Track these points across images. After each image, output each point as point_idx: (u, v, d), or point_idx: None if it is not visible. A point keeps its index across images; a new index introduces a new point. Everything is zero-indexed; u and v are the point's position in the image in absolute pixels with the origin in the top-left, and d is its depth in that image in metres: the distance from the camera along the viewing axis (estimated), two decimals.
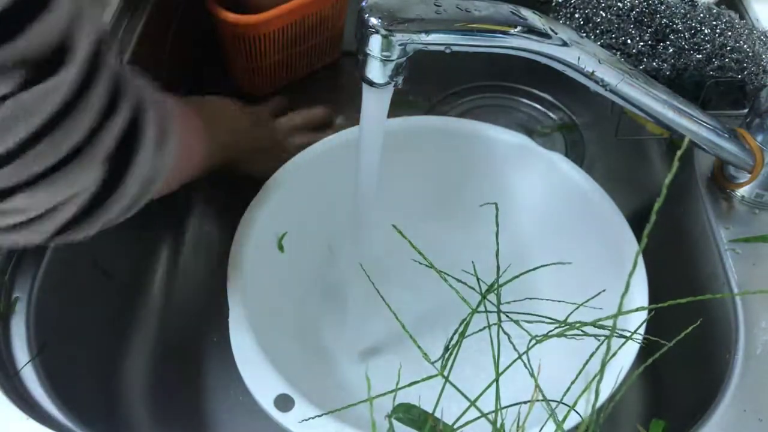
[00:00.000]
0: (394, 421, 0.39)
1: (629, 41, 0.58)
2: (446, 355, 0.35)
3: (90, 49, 0.32)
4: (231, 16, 0.65)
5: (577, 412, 0.31)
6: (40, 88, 0.29)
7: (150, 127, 0.37)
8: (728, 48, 0.57)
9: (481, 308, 0.36)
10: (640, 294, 0.48)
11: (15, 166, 0.30)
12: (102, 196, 0.35)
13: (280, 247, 0.55)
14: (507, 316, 0.37)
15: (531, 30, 0.41)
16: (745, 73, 0.57)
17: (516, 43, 0.41)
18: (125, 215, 0.39)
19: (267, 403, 0.42)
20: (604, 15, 0.59)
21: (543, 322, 0.37)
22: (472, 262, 0.41)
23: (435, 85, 0.78)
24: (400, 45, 0.39)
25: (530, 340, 0.35)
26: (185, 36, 0.74)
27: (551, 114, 0.77)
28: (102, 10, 0.33)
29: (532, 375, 0.34)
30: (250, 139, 0.61)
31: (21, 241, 0.35)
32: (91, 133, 0.32)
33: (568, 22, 0.60)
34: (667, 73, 0.57)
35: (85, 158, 0.32)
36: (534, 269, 0.42)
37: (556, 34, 0.42)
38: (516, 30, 0.40)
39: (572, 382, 0.33)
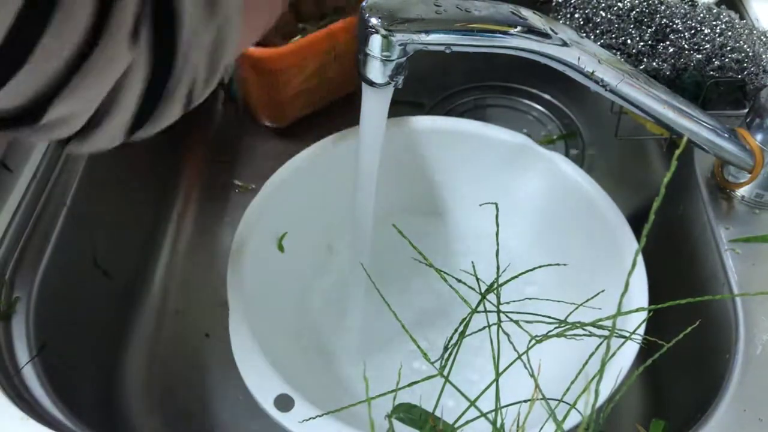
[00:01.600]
0: (395, 421, 0.39)
1: (629, 41, 0.58)
2: (446, 355, 0.35)
3: None
4: (254, 51, 0.64)
5: (577, 410, 0.31)
6: None
7: None
8: (728, 48, 0.57)
9: (481, 308, 0.36)
10: (639, 294, 0.48)
11: (26, 70, 0.25)
12: (157, 75, 0.30)
13: (280, 247, 0.55)
14: (507, 316, 0.37)
15: (531, 30, 0.41)
16: (745, 73, 0.57)
17: (516, 43, 0.41)
18: (206, 88, 0.34)
19: (267, 403, 0.42)
20: (604, 15, 0.59)
21: (543, 322, 0.37)
22: (472, 262, 0.41)
23: (435, 85, 0.78)
24: (400, 45, 0.39)
25: (530, 340, 0.35)
26: None
27: (551, 114, 0.77)
28: None
29: (531, 375, 0.34)
30: None
31: (98, 146, 0.31)
32: (100, 12, 0.27)
33: (568, 22, 0.60)
34: (667, 73, 0.57)
35: (104, 39, 0.27)
36: (534, 269, 0.42)
37: (556, 34, 0.42)
38: (516, 30, 0.40)
39: (572, 382, 0.33)
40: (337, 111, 0.75)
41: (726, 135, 0.49)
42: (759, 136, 0.50)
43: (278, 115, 0.73)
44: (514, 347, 0.35)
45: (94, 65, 0.27)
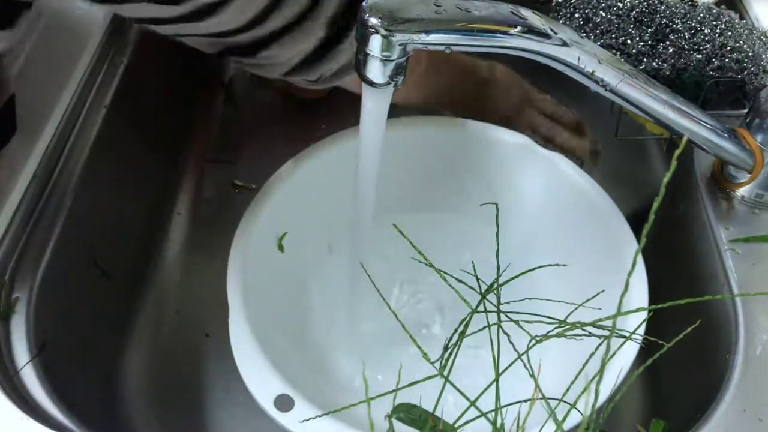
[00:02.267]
0: (396, 421, 0.39)
1: (629, 41, 0.58)
2: (446, 355, 0.35)
3: None
4: None
5: (578, 410, 0.31)
6: None
7: None
8: (728, 48, 0.57)
9: (481, 308, 0.36)
10: (639, 294, 0.48)
11: (259, 28, 0.43)
12: (321, 52, 0.46)
13: (280, 247, 0.55)
14: (507, 316, 0.37)
15: (531, 30, 0.41)
16: (745, 73, 0.57)
17: (516, 43, 0.41)
18: (345, 72, 0.49)
19: (267, 403, 0.42)
20: (604, 15, 0.59)
21: (543, 322, 0.37)
22: (472, 261, 0.41)
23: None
24: (400, 45, 0.39)
25: (530, 340, 0.35)
26: None
27: None
28: None
29: (531, 375, 0.34)
30: (473, 98, 0.63)
31: (264, 73, 0.49)
32: (312, 3, 0.43)
33: (568, 22, 0.60)
34: (667, 73, 0.57)
35: (308, 22, 0.44)
36: (534, 269, 0.42)
37: (556, 34, 0.42)
38: (516, 30, 0.40)
39: (572, 382, 0.33)
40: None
41: (726, 135, 0.49)
42: (759, 137, 0.50)
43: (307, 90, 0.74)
44: (514, 347, 0.35)
45: (297, 33, 0.44)
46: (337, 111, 0.75)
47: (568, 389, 0.33)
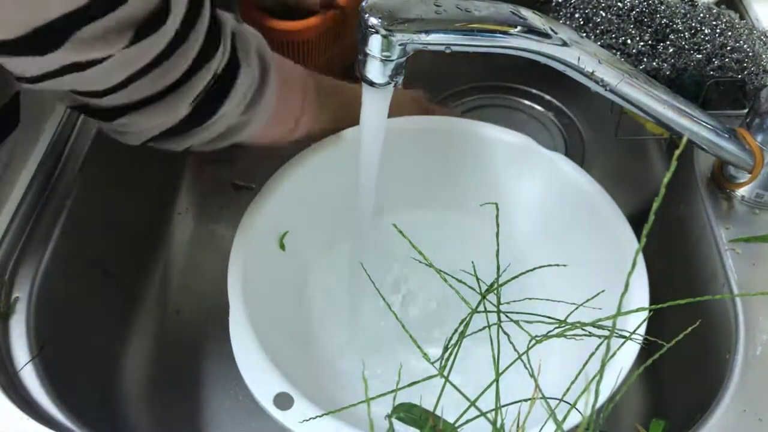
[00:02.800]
0: (396, 421, 0.39)
1: (629, 41, 0.58)
2: (446, 355, 0.35)
3: (186, 6, 0.37)
4: (282, 24, 0.65)
5: (578, 410, 0.31)
6: (143, 43, 0.35)
7: (243, 84, 0.43)
8: (728, 48, 0.57)
9: (481, 308, 0.36)
10: (640, 294, 0.48)
11: (121, 93, 0.38)
12: (184, 129, 0.43)
13: (282, 246, 0.55)
14: (507, 316, 0.37)
15: (531, 30, 0.41)
16: (745, 73, 0.57)
17: (516, 43, 0.41)
18: (210, 146, 0.47)
19: (266, 401, 0.42)
20: (604, 15, 0.59)
21: (543, 322, 0.37)
22: (472, 262, 0.41)
23: (435, 85, 0.78)
24: (400, 45, 0.39)
25: (530, 340, 0.35)
26: None
27: (551, 114, 0.77)
28: None
29: (531, 375, 0.34)
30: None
31: (124, 140, 0.44)
32: (184, 77, 0.39)
33: (568, 22, 0.60)
34: (667, 73, 0.57)
35: (176, 96, 0.40)
36: (534, 269, 0.42)
37: (556, 34, 0.42)
38: (516, 30, 0.40)
39: (572, 382, 0.33)
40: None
41: (726, 135, 0.49)
42: (759, 136, 0.50)
43: None
44: (514, 347, 0.35)
45: (162, 105, 0.40)
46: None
47: (568, 389, 0.33)
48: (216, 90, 0.42)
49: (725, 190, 0.54)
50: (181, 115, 0.41)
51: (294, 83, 0.53)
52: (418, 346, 0.35)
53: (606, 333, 0.32)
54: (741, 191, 0.53)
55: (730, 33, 0.57)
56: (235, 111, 0.44)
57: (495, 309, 0.36)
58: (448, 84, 0.79)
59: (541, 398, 0.33)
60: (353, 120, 0.59)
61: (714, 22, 0.58)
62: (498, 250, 0.39)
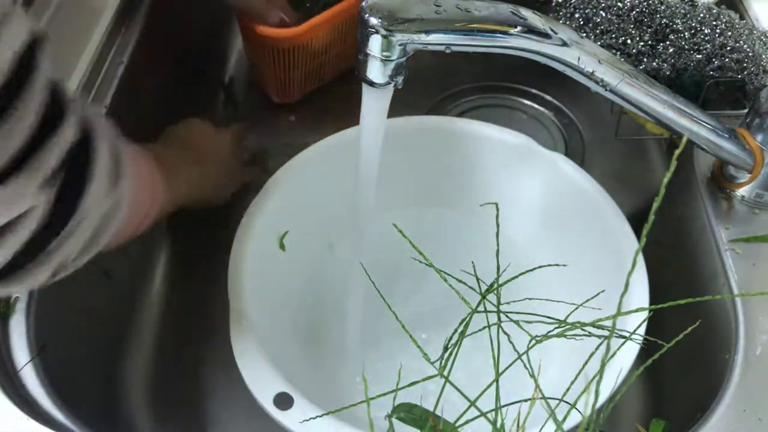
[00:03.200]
0: (396, 421, 0.39)
1: (629, 41, 0.58)
2: (446, 355, 0.35)
3: (13, 58, 0.29)
4: (269, 31, 0.65)
5: (578, 410, 0.31)
6: None
7: (103, 156, 0.35)
8: (728, 48, 0.57)
9: (481, 308, 0.36)
10: (640, 294, 0.48)
11: None
12: (51, 229, 0.32)
13: (282, 246, 0.55)
14: (507, 316, 0.37)
15: (531, 30, 0.41)
16: (745, 73, 0.57)
17: (516, 43, 0.41)
18: (80, 258, 0.37)
19: (266, 401, 0.42)
20: (604, 15, 0.59)
21: (543, 322, 0.37)
22: (472, 262, 0.41)
23: (435, 85, 0.78)
24: (399, 45, 0.39)
25: (530, 341, 0.35)
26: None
27: (551, 114, 0.77)
28: (24, 20, 0.30)
29: (531, 375, 0.34)
30: (215, 175, 0.60)
31: None
32: (26, 149, 0.29)
33: (568, 22, 0.60)
34: (667, 73, 0.57)
35: (21, 177, 0.29)
36: (534, 269, 0.42)
37: (556, 34, 0.42)
38: (516, 30, 0.40)
39: (572, 382, 0.33)
40: (349, 81, 0.74)
41: (726, 135, 0.49)
42: (759, 136, 0.50)
43: (291, 93, 0.75)
44: (514, 347, 0.35)
45: (4, 193, 0.29)
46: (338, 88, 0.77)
47: (568, 389, 0.33)
48: (75, 163, 0.32)
49: (725, 190, 0.54)
50: (40, 201, 0.31)
51: (140, 153, 0.46)
52: (418, 346, 0.35)
53: (606, 333, 0.32)
54: (741, 191, 0.53)
55: (730, 33, 0.57)
56: (102, 187, 0.35)
57: (495, 309, 0.36)
58: (448, 84, 0.79)
59: (540, 398, 0.33)
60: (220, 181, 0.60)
61: (714, 22, 0.58)
62: (498, 250, 0.39)
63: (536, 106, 0.78)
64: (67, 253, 0.34)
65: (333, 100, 0.76)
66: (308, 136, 0.61)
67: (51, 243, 0.33)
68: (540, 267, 0.42)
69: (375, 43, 0.39)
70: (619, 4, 0.59)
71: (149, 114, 0.69)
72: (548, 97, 0.78)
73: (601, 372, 0.27)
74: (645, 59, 0.58)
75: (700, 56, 0.56)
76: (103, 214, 0.36)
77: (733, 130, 0.50)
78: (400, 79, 0.41)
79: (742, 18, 0.63)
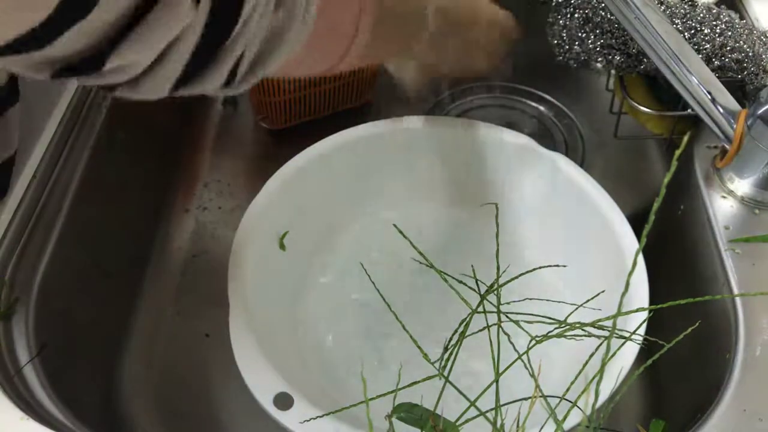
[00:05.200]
0: (397, 422, 0.39)
1: (629, 41, 0.58)
2: (446, 356, 0.35)
3: None
4: None
5: (579, 408, 0.31)
6: None
7: None
8: (728, 48, 0.57)
9: (481, 308, 0.36)
10: (640, 294, 0.48)
11: (89, 20, 0.26)
12: (213, 37, 0.30)
13: (282, 246, 0.55)
14: (507, 316, 0.37)
15: None
16: (745, 73, 0.57)
17: None
18: (250, 74, 0.34)
19: (266, 401, 0.42)
20: (604, 15, 0.59)
21: (543, 322, 0.37)
22: (472, 265, 0.41)
23: (435, 85, 0.78)
24: None
25: (530, 341, 0.35)
26: None
27: (551, 114, 0.77)
28: None
29: (532, 375, 0.34)
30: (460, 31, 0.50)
31: (145, 95, 0.32)
32: None
33: (568, 22, 0.60)
34: None
35: None
36: (534, 270, 0.42)
37: None
38: None
39: (572, 383, 0.33)
40: (340, 121, 0.74)
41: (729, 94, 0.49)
42: (754, 130, 0.50)
43: (272, 118, 0.74)
44: (514, 347, 0.35)
45: (153, 22, 0.27)
46: (340, 120, 0.75)
47: (568, 389, 0.33)
48: None
49: (724, 187, 0.54)
50: (195, 13, 0.28)
51: None
52: (418, 346, 0.35)
53: (606, 333, 0.32)
54: (741, 191, 0.53)
55: (730, 33, 0.57)
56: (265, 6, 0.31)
57: (495, 309, 0.36)
58: (448, 84, 0.79)
59: (541, 396, 0.33)
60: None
61: (714, 22, 0.58)
62: (498, 251, 0.39)
63: (536, 106, 0.78)
64: (234, 60, 0.32)
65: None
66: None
67: (218, 49, 0.31)
68: (540, 267, 0.42)
69: None
70: None
71: (149, 114, 0.69)
72: (548, 97, 0.78)
73: (601, 372, 0.27)
74: (645, 59, 0.58)
75: (700, 56, 0.56)
76: (271, 27, 0.32)
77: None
78: None
79: (742, 18, 0.63)
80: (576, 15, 0.60)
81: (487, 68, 0.53)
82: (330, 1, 0.35)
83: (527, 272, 0.41)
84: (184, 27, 0.28)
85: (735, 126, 0.49)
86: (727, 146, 0.51)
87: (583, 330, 0.34)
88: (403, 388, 0.35)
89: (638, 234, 0.52)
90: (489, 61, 0.53)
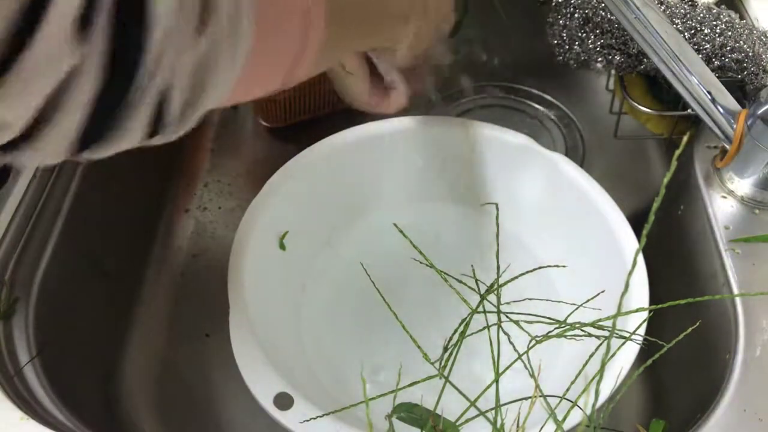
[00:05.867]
0: (397, 421, 0.39)
1: (629, 41, 0.58)
2: (446, 356, 0.35)
3: None
4: None
5: (580, 407, 0.31)
6: None
7: None
8: (728, 48, 0.57)
9: (481, 308, 0.36)
10: (640, 294, 0.48)
11: None
12: (115, 80, 0.24)
13: (282, 246, 0.55)
14: (507, 316, 0.37)
15: None
16: (745, 73, 0.57)
17: None
18: (187, 113, 0.29)
19: (266, 401, 0.42)
20: (604, 15, 0.59)
21: (543, 322, 0.37)
22: (472, 265, 0.41)
23: (435, 85, 0.78)
24: None
25: (530, 341, 0.35)
26: None
27: (551, 114, 0.77)
28: None
29: (532, 375, 0.34)
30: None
31: (37, 160, 0.26)
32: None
33: (568, 22, 0.60)
34: None
35: (43, 30, 0.20)
36: (533, 270, 0.42)
37: None
38: None
39: (572, 383, 0.33)
40: (338, 121, 0.74)
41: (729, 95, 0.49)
42: (754, 131, 0.50)
43: (271, 115, 0.74)
44: (514, 347, 0.35)
45: (24, 63, 0.21)
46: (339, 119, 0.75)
47: (568, 389, 0.33)
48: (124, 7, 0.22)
49: (724, 187, 0.54)
50: (81, 54, 0.22)
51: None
52: (418, 346, 0.35)
53: (606, 333, 0.32)
54: (741, 191, 0.53)
55: (730, 33, 0.57)
56: (175, 10, 0.24)
57: (495, 309, 0.36)
58: (448, 84, 0.78)
59: (540, 396, 0.33)
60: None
61: (714, 22, 0.58)
62: (498, 251, 0.39)
63: (536, 106, 0.78)
64: (154, 105, 0.26)
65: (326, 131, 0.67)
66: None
67: (125, 96, 0.25)
68: (540, 267, 0.42)
69: None
70: None
71: None
72: (548, 97, 0.78)
73: (601, 372, 0.27)
74: (645, 59, 0.58)
75: (700, 56, 0.56)
76: (198, 54, 0.26)
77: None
78: None
79: (742, 18, 0.63)
80: (576, 15, 0.60)
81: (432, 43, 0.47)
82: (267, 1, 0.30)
83: (527, 272, 0.41)
84: (68, 71, 0.22)
85: (735, 126, 0.49)
86: (727, 146, 0.51)
87: (583, 330, 0.34)
88: (403, 388, 0.35)
89: (638, 234, 0.52)
90: (436, 35, 0.47)
